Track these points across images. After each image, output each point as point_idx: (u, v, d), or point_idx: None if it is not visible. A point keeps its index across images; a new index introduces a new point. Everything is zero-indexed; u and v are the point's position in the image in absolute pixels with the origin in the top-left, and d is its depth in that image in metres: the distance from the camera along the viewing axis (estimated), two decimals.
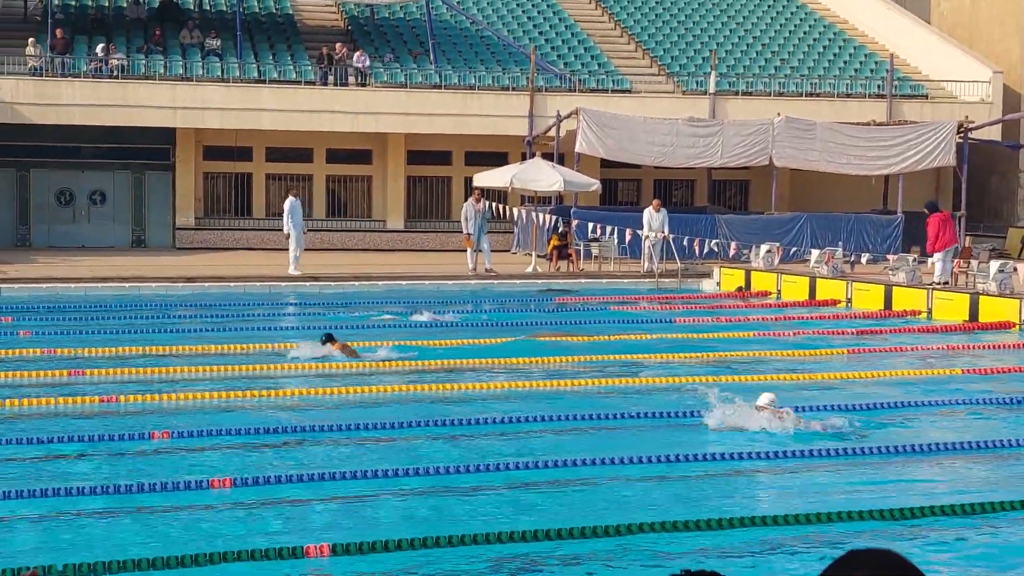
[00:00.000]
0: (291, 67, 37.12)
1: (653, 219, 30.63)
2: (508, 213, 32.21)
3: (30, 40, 35.63)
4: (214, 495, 10.17)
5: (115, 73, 35.34)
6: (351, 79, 37.06)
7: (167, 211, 37.30)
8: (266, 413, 13.90)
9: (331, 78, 36.73)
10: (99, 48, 35.70)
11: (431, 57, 38.36)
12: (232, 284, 27.31)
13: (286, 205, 30.11)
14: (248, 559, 8.35)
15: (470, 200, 30.87)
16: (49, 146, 36.08)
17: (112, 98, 34.61)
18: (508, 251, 36.18)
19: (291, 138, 37.19)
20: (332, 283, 27.81)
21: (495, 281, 28.67)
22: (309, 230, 37.75)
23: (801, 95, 39.21)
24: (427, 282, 28.34)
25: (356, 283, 27.97)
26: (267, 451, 11.88)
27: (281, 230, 30.72)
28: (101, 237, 36.71)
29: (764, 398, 13.18)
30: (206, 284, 27.15)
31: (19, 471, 11.05)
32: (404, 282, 28.21)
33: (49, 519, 9.52)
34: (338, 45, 37.84)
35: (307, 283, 27.77)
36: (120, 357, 17.37)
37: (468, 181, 36.21)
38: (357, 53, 37.60)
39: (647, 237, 30.56)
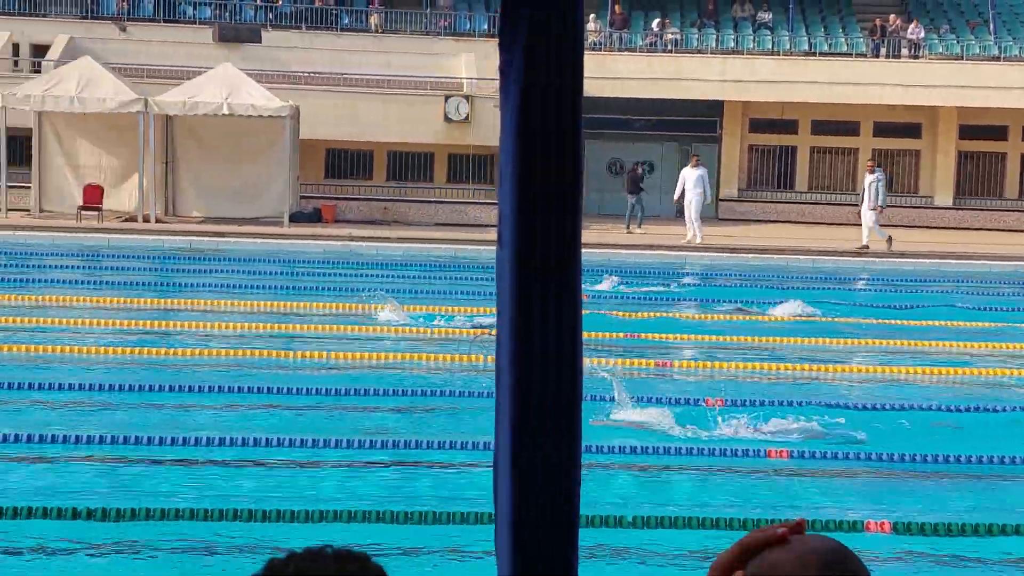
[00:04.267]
0: (842, 39, 36.73)
1: None
2: None
3: (591, 16, 37.45)
4: (770, 463, 10.42)
5: (668, 47, 36.46)
6: (903, 51, 36.14)
7: (712, 182, 38.00)
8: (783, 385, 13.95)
9: (883, 50, 35.99)
10: (655, 23, 36.98)
11: (990, 28, 36.63)
12: (775, 256, 27.50)
13: (683, 173, 29.96)
14: (822, 529, 8.50)
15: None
16: (603, 118, 37.77)
17: (665, 71, 35.73)
18: None
19: (837, 111, 36.79)
20: (877, 259, 27.39)
21: None
22: (852, 204, 37.29)
23: None
24: (976, 262, 27.30)
25: (912, 261, 27.34)
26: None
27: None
28: (648, 207, 37.98)
29: None
30: (748, 256, 27.53)
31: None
32: (953, 261, 27.29)
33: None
34: (892, 16, 37.00)
35: (853, 258, 27.49)
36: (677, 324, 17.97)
37: None
38: (912, 24, 36.60)
39: None
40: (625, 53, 36.23)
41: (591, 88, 35.64)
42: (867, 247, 28.46)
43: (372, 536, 8.12)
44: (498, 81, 1.75)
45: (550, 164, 1.59)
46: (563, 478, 1.61)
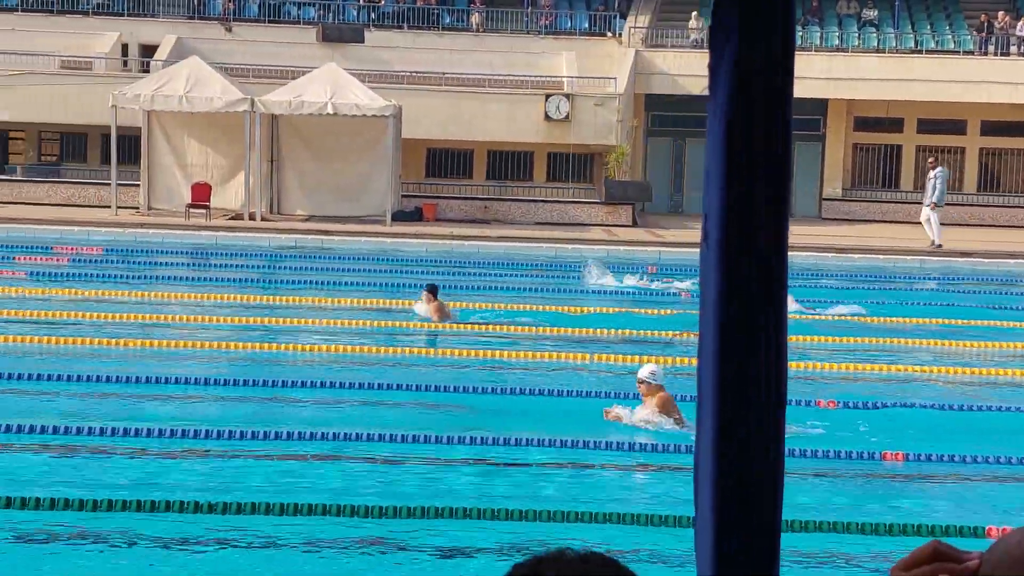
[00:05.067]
0: (948, 36, 36.14)
1: None
2: None
3: (693, 14, 37.19)
4: (886, 467, 10.28)
5: None
6: (1012, 48, 35.46)
7: (815, 181, 37.59)
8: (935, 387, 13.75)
9: (991, 47, 35.34)
10: None
11: None
12: (881, 257, 27.11)
13: None
14: (927, 534, 8.37)
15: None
16: (702, 116, 37.47)
17: None
18: None
19: (943, 109, 36.19)
20: (984, 260, 26.88)
21: None
22: (957, 204, 36.69)
23: None
24: None
25: (1011, 261, 26.84)
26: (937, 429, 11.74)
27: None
28: None
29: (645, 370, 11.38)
30: (855, 256, 27.18)
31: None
32: None
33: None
34: (1000, 13, 36.31)
35: (959, 259, 27.01)
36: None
37: None
38: (1020, 21, 35.89)
39: None
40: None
41: (693, 87, 35.49)
42: (939, 245, 28.12)
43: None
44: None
45: (760, 162, 1.57)
46: (767, 480, 1.59)
